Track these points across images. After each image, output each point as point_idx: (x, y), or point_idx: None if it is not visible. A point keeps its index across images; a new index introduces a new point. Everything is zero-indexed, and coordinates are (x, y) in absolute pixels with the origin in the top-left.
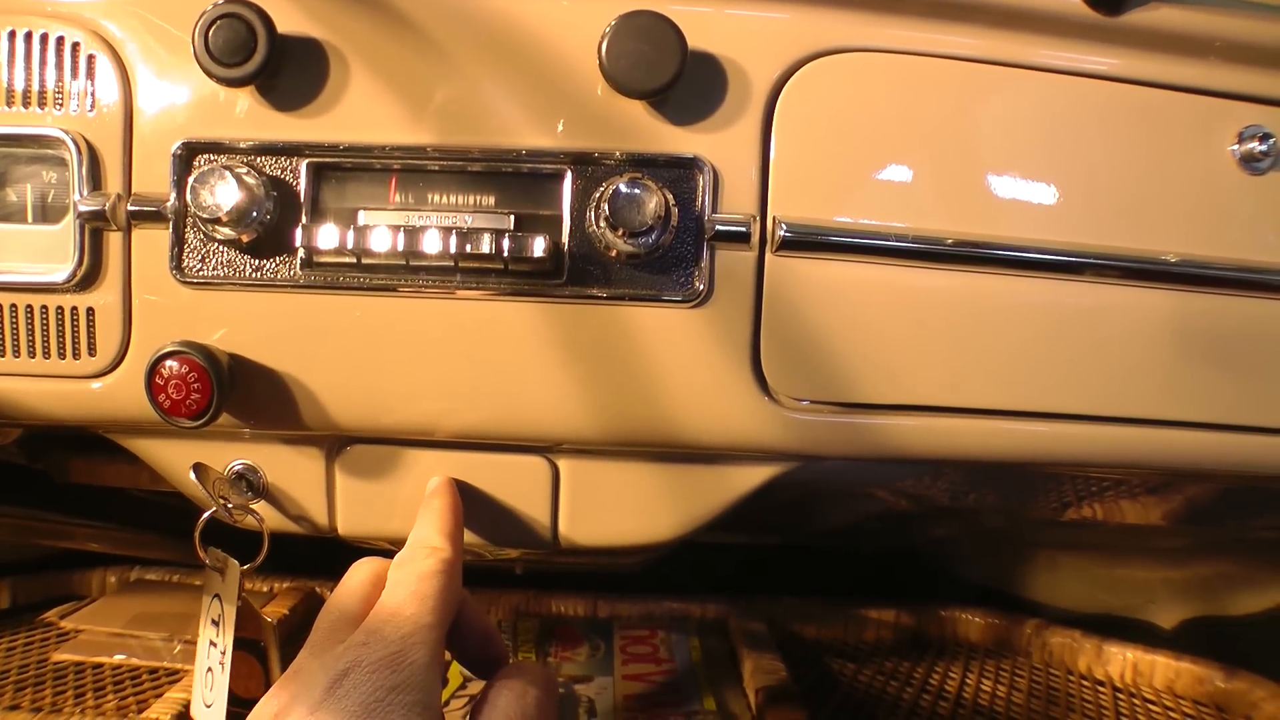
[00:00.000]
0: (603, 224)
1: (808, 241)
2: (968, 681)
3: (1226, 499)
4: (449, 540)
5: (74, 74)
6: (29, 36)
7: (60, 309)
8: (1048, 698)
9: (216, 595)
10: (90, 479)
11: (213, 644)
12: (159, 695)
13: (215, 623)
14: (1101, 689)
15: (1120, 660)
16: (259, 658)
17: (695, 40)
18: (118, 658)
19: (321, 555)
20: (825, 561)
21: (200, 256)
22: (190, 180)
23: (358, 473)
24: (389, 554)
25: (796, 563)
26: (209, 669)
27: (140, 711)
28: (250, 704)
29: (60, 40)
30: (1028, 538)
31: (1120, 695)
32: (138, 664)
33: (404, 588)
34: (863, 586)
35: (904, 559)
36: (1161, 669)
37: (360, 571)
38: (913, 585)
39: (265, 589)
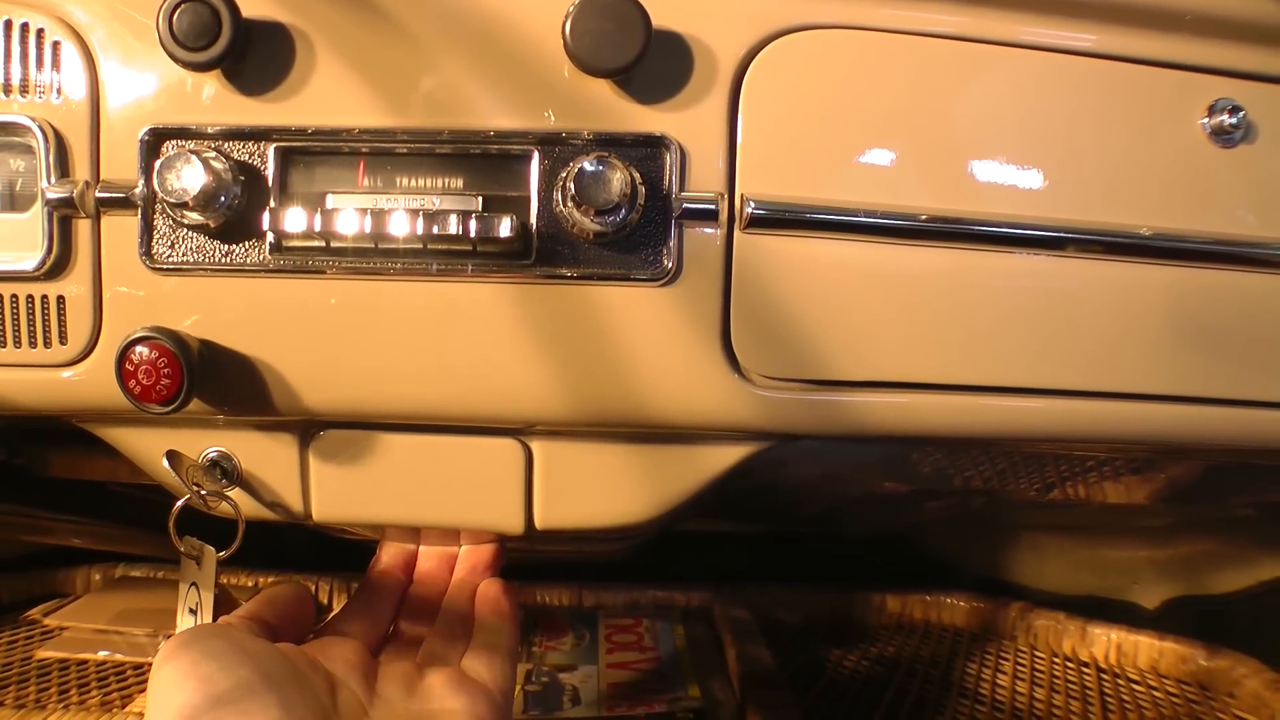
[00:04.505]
0: (569, 203)
1: (776, 219)
2: (953, 665)
3: (1208, 476)
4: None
5: (40, 61)
6: None
7: (30, 297)
8: (1033, 680)
9: (194, 583)
10: (70, 473)
11: None
12: (143, 691)
13: (193, 611)
14: (1086, 670)
15: (1104, 641)
16: None
17: (660, 18)
18: (102, 654)
19: (306, 548)
20: (809, 549)
21: (170, 243)
22: (157, 166)
23: (331, 458)
24: (366, 540)
25: (781, 551)
26: None
27: (124, 707)
28: None
29: (25, 26)
30: (1011, 521)
31: (1105, 676)
32: (122, 660)
33: None
34: (847, 573)
35: (888, 545)
36: (1145, 649)
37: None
38: (897, 571)
39: (250, 583)
